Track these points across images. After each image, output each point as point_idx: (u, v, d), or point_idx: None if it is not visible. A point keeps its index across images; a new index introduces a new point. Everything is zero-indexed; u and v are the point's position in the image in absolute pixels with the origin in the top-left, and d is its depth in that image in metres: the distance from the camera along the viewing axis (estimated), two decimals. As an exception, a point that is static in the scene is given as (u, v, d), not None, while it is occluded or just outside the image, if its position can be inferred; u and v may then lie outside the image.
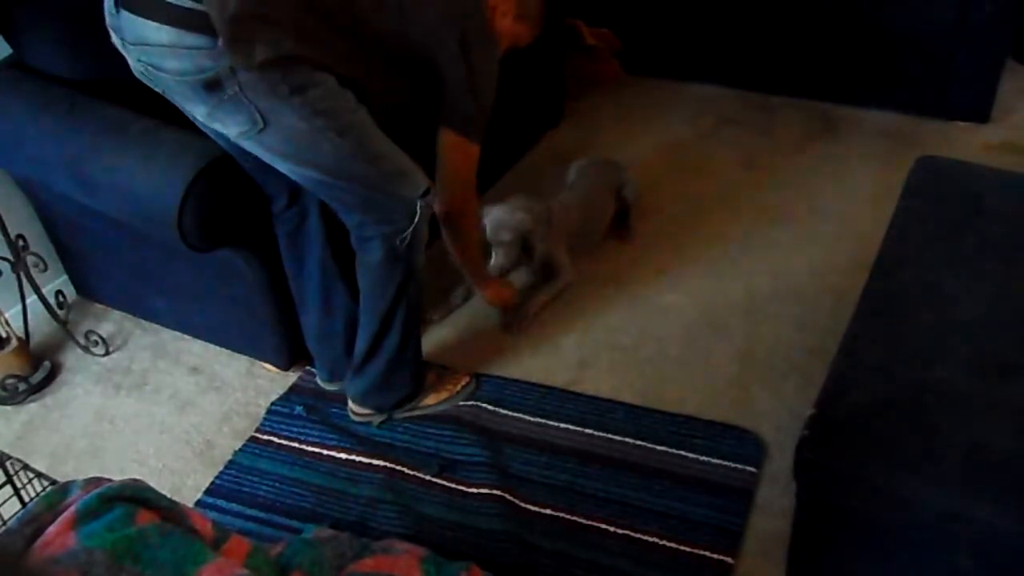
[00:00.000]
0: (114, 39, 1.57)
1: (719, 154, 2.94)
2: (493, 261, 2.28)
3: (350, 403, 2.09)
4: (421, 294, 1.95)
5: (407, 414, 2.09)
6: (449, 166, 1.87)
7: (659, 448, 1.96)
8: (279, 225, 1.96)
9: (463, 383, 2.13)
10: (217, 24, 1.41)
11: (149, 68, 1.53)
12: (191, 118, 1.69)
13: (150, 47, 1.49)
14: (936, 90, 2.93)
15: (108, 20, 1.55)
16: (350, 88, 1.64)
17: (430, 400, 2.09)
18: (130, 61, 1.59)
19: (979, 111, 2.91)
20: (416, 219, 1.77)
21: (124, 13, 1.50)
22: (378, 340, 1.94)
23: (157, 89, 1.62)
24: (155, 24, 1.45)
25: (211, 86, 1.48)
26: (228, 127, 1.57)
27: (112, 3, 1.52)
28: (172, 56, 1.47)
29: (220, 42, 1.42)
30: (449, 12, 1.69)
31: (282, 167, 1.67)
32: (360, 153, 1.66)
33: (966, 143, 2.83)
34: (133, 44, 1.52)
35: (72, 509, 1.16)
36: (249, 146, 1.62)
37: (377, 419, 2.07)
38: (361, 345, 1.97)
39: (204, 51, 1.44)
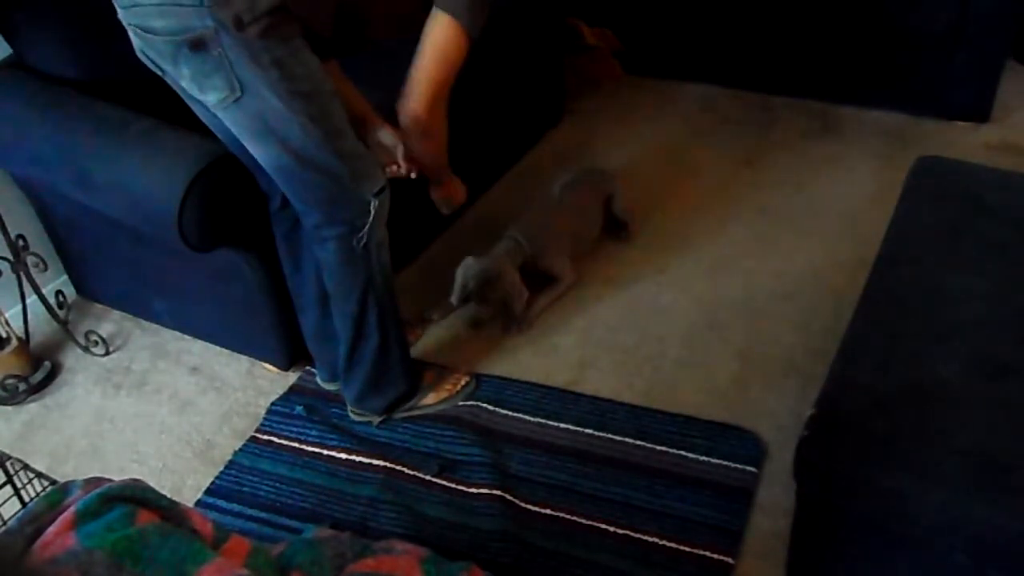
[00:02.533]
0: (117, 10, 1.59)
1: (719, 154, 2.94)
2: (474, 312, 2.29)
3: (349, 405, 2.09)
4: (392, 293, 1.93)
5: (406, 414, 2.09)
6: (433, 56, 1.68)
7: (659, 448, 1.96)
8: (276, 225, 1.96)
9: (463, 383, 2.13)
10: None
11: (140, 32, 1.55)
12: (182, 93, 1.69)
13: (140, 7, 1.52)
14: (936, 90, 2.93)
15: None
16: (352, 17, 1.62)
17: (429, 400, 2.09)
18: (129, 34, 1.61)
19: (979, 111, 2.91)
20: (371, 218, 1.76)
21: None
22: (356, 344, 1.93)
23: (154, 65, 1.62)
24: None
25: (196, 46, 1.50)
26: (207, 94, 1.58)
27: None
28: (160, 15, 1.50)
29: None
30: None
31: (252, 146, 1.67)
32: (327, 143, 1.66)
33: (966, 143, 2.84)
34: (125, 8, 1.55)
35: (72, 509, 1.16)
36: (226, 118, 1.62)
37: (377, 419, 2.07)
38: (343, 351, 1.96)
39: (190, 8, 1.46)
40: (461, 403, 2.11)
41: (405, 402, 2.08)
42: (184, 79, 1.59)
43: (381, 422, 2.07)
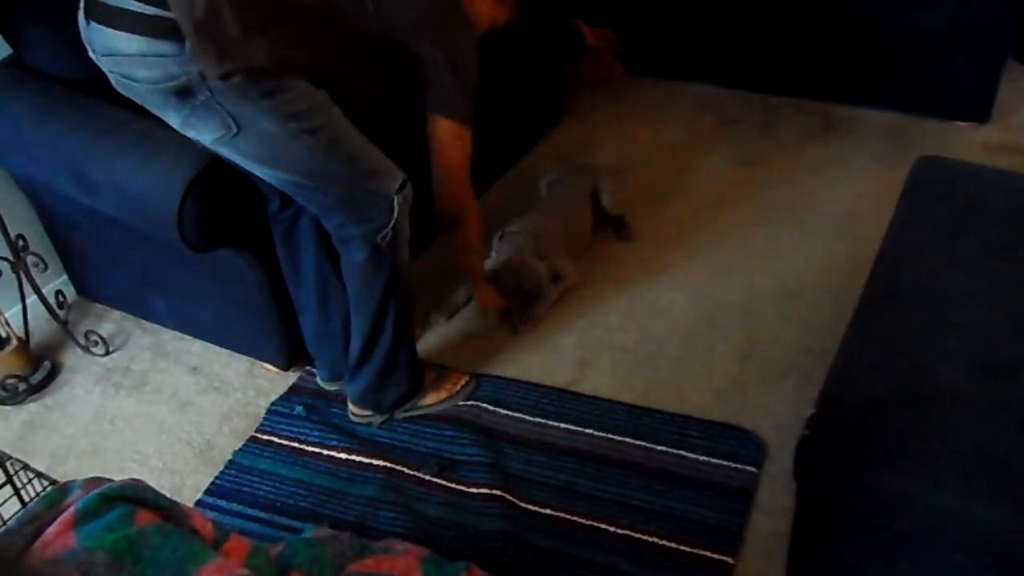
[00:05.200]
0: (89, 52, 1.57)
1: (719, 154, 2.94)
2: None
3: (349, 404, 2.09)
4: (410, 291, 1.94)
5: (407, 414, 2.09)
6: (445, 156, 1.85)
7: (659, 448, 1.96)
8: (274, 226, 1.97)
9: (462, 383, 2.13)
10: (184, 29, 1.40)
11: (121, 79, 1.53)
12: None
13: (120, 57, 1.48)
14: (936, 90, 2.93)
15: (82, 34, 1.55)
16: (326, 87, 1.63)
17: (430, 400, 2.09)
18: (106, 72, 1.59)
19: (979, 111, 2.91)
20: (395, 214, 1.76)
21: (93, 25, 1.49)
22: (371, 341, 1.93)
23: (136, 100, 1.61)
24: (124, 34, 1.45)
25: (182, 93, 1.48)
26: (202, 134, 1.56)
27: (83, 16, 1.51)
28: (142, 65, 1.47)
29: (188, 48, 1.41)
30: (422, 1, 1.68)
31: (259, 171, 1.66)
32: (334, 153, 1.65)
33: (966, 143, 2.83)
34: (104, 56, 1.52)
35: (72, 509, 1.16)
36: (225, 152, 1.61)
37: (378, 419, 2.07)
38: (355, 347, 1.96)
39: (173, 58, 1.44)
40: (461, 403, 2.11)
41: (407, 401, 2.08)
42: (174, 124, 1.57)
43: (383, 422, 2.07)
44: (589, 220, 2.56)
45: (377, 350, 1.95)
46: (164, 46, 1.43)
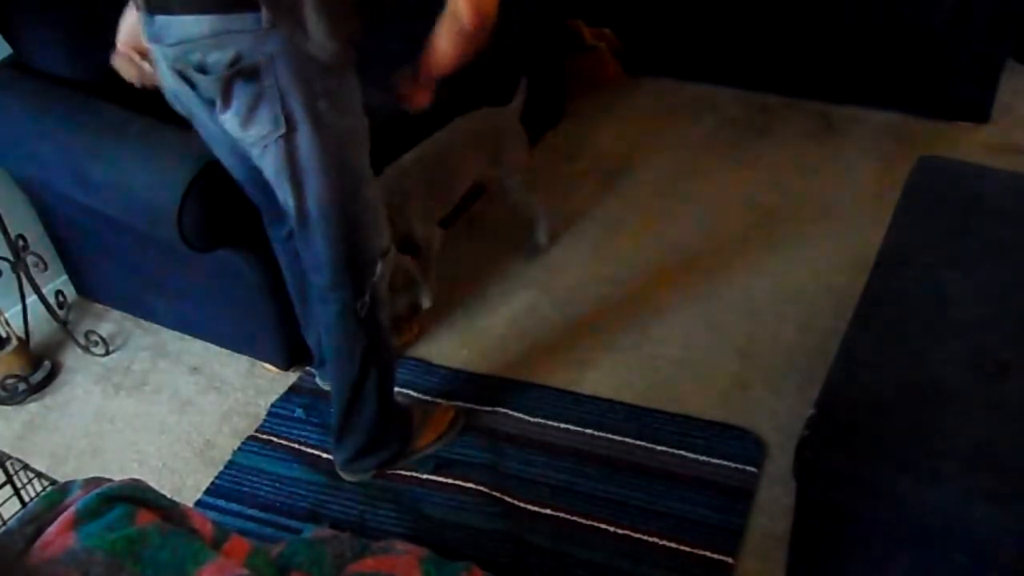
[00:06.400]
0: (155, 52, 1.51)
1: (719, 154, 2.94)
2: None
3: (338, 468, 1.99)
4: (391, 355, 1.88)
5: (405, 463, 2.00)
6: None
7: (659, 448, 1.96)
8: (279, 252, 1.94)
9: (450, 416, 2.06)
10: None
11: (191, 72, 1.47)
12: (207, 135, 1.64)
13: (193, 43, 1.42)
14: (936, 90, 2.93)
15: (146, 32, 1.49)
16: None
17: (424, 441, 2.01)
18: (166, 77, 1.53)
19: (979, 111, 2.92)
20: (376, 278, 1.71)
21: (160, 18, 1.44)
22: (352, 410, 1.86)
23: (184, 109, 1.57)
24: (193, 17, 1.40)
25: (250, 75, 1.42)
26: (250, 128, 1.50)
27: (145, 13, 1.46)
28: (216, 47, 1.41)
29: (263, 16, 1.36)
30: None
31: (286, 188, 1.59)
32: (356, 189, 1.61)
33: (966, 143, 2.84)
34: (174, 45, 1.46)
35: (72, 509, 1.16)
36: (264, 156, 1.55)
37: (368, 476, 1.98)
38: (337, 413, 1.89)
39: (250, 34, 1.39)
40: (461, 404, 2.11)
41: (401, 458, 1.99)
42: (228, 114, 1.49)
43: (374, 476, 1.98)
44: (464, 179, 2.27)
45: (360, 420, 1.87)
46: (239, 20, 1.38)
